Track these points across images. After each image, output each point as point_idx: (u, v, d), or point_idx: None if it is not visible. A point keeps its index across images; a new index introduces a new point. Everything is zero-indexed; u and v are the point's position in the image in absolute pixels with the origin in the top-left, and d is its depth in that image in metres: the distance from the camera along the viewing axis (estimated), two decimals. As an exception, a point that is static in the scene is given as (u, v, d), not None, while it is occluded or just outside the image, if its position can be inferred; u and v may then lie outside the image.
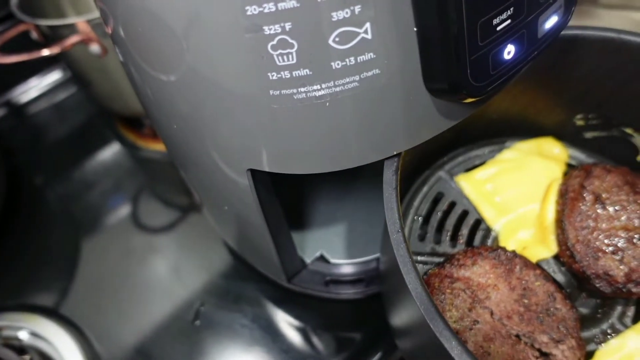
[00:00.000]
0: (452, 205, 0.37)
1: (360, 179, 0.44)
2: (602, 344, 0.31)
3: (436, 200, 0.37)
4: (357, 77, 0.20)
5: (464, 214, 0.36)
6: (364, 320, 0.40)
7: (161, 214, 0.50)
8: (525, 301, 0.30)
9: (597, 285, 0.32)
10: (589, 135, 0.38)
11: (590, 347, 0.31)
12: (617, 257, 0.32)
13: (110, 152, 0.58)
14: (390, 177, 0.25)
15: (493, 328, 0.30)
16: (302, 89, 0.21)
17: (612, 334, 0.31)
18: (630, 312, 0.32)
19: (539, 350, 0.30)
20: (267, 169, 0.25)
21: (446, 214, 0.36)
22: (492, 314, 0.30)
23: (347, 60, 0.20)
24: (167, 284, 0.44)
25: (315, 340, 0.40)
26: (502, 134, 0.40)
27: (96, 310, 0.43)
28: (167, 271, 0.45)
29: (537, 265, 0.32)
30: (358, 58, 0.20)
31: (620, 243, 0.32)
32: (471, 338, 0.29)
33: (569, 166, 0.38)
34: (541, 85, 0.36)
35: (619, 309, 0.32)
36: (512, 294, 0.31)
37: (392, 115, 0.23)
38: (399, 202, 0.25)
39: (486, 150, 0.39)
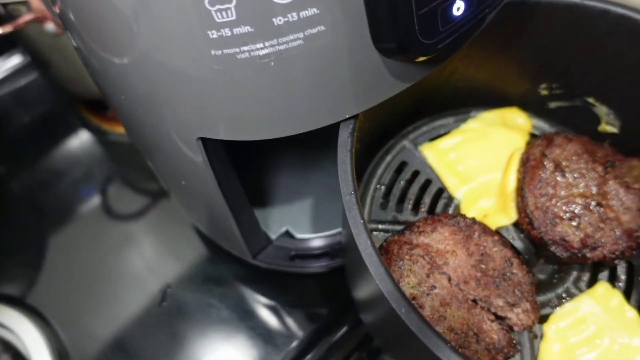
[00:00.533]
0: (416, 174, 0.37)
1: (325, 154, 0.44)
2: (557, 308, 0.32)
3: (399, 170, 0.37)
4: (301, 35, 0.20)
5: (427, 182, 0.36)
6: (330, 294, 0.40)
7: (128, 199, 0.49)
8: (483, 266, 0.31)
9: (554, 250, 0.32)
10: (552, 105, 0.38)
11: (546, 310, 0.32)
12: (574, 224, 0.32)
13: (75, 137, 0.56)
14: (345, 139, 0.25)
15: (450, 293, 0.30)
16: (245, 48, 0.20)
17: (567, 298, 0.32)
18: (586, 277, 0.33)
19: (494, 314, 0.30)
20: (217, 137, 0.25)
21: (409, 183, 0.36)
22: (449, 279, 0.30)
23: (289, 16, 0.19)
24: (133, 268, 0.44)
25: (282, 316, 0.40)
26: (467, 103, 0.39)
27: (62, 299, 0.42)
28: (134, 256, 0.45)
29: (496, 232, 0.33)
30: (301, 14, 0.19)
31: (577, 210, 0.32)
32: (428, 303, 0.29)
33: (532, 136, 0.38)
34: (505, 53, 0.36)
35: (574, 274, 0.33)
36: (470, 259, 0.31)
37: (341, 76, 0.22)
38: (354, 164, 0.25)
39: (451, 120, 0.39)
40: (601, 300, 0.32)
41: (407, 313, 0.21)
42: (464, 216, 0.32)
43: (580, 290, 0.32)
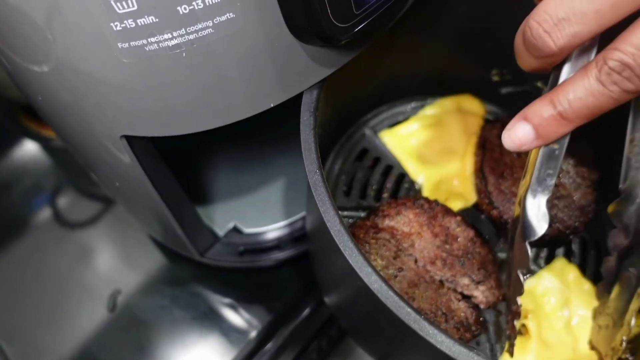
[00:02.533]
0: (377, 160, 0.37)
1: (271, 148, 0.43)
2: (519, 285, 0.32)
3: (361, 157, 0.37)
4: (209, 23, 0.19)
5: (388, 168, 0.36)
6: (283, 286, 0.39)
7: (79, 207, 0.46)
8: (447, 247, 0.31)
9: (514, 229, 0.33)
10: (504, 90, 0.39)
11: (509, 288, 0.32)
12: (531, 202, 0.33)
13: (17, 146, 0.52)
14: (307, 118, 0.24)
15: (417, 274, 0.30)
16: (153, 39, 0.19)
17: (528, 275, 0.33)
18: (544, 253, 0.34)
19: (461, 293, 0.30)
20: (139, 133, 0.23)
21: (371, 169, 0.36)
22: (416, 261, 0.30)
23: (194, 3, 0.18)
24: (86, 278, 0.41)
25: (237, 312, 0.39)
26: (424, 91, 0.40)
27: (11, 314, 0.40)
28: (87, 265, 0.42)
29: (457, 213, 0.33)
30: (206, 1, 0.18)
31: (533, 188, 0.33)
32: (396, 285, 0.29)
33: (486, 121, 0.39)
34: (458, 40, 0.37)
35: (533, 251, 0.34)
36: (435, 240, 0.31)
37: (259, 65, 0.21)
38: (317, 143, 0.24)
39: (409, 107, 0.40)
40: (559, 275, 0.32)
41: (379, 287, 0.20)
42: (426, 199, 0.32)
43: (540, 267, 0.33)
